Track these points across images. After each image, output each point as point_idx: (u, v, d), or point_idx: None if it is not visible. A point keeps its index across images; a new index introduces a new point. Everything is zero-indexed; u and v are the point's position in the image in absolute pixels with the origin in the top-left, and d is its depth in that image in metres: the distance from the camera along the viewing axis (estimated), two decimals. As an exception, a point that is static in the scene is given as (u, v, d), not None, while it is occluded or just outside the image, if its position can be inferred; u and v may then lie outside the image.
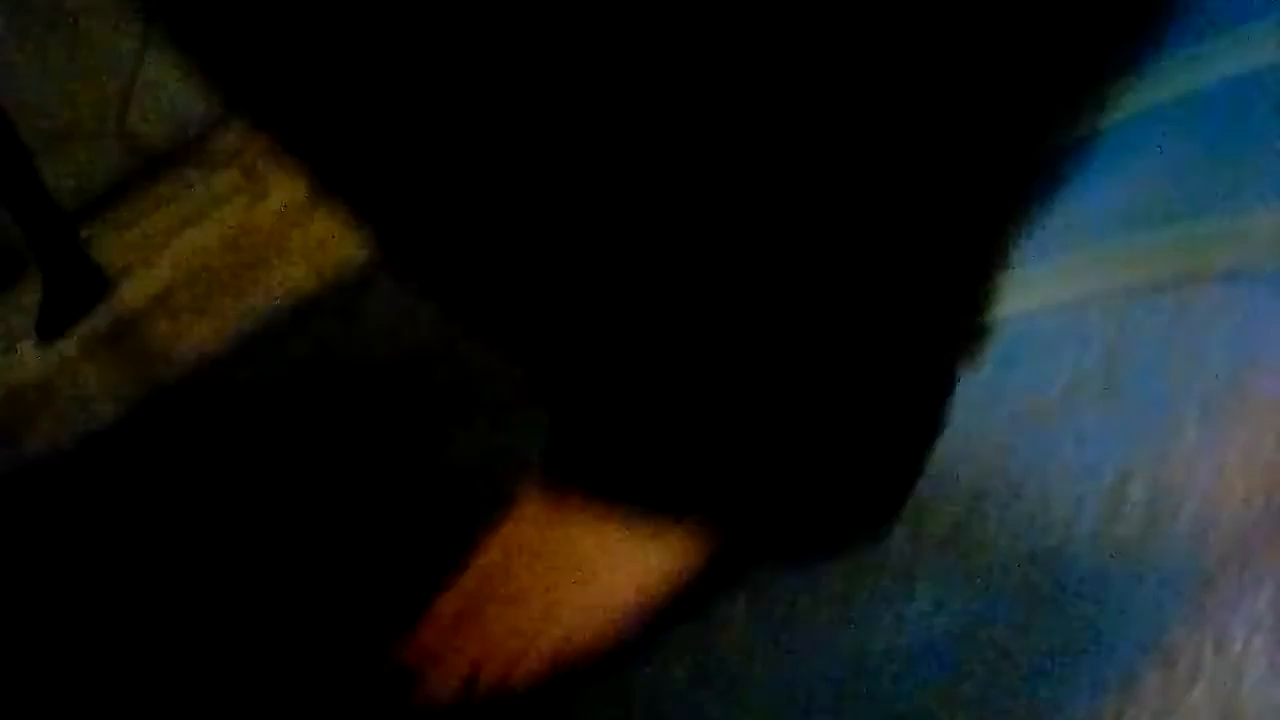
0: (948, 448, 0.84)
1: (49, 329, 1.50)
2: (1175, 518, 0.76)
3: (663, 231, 0.77)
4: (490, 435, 1.04)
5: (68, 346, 1.52)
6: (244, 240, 1.53)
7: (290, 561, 1.05)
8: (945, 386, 0.87)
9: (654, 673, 0.82)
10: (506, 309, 0.84)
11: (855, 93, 0.76)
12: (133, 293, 1.56)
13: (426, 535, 1.00)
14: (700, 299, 0.79)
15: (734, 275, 0.79)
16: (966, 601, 0.77)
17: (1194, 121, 0.94)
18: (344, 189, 0.82)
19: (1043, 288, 0.90)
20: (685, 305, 0.80)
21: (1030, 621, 0.75)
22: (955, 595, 0.77)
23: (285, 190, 1.53)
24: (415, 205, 0.80)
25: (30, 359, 1.47)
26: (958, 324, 0.89)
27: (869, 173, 0.79)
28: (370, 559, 1.02)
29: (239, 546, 1.09)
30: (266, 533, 1.09)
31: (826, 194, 0.78)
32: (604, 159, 0.76)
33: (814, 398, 0.82)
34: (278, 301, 1.43)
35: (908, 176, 0.80)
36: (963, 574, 0.78)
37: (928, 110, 0.81)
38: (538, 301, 0.82)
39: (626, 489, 0.83)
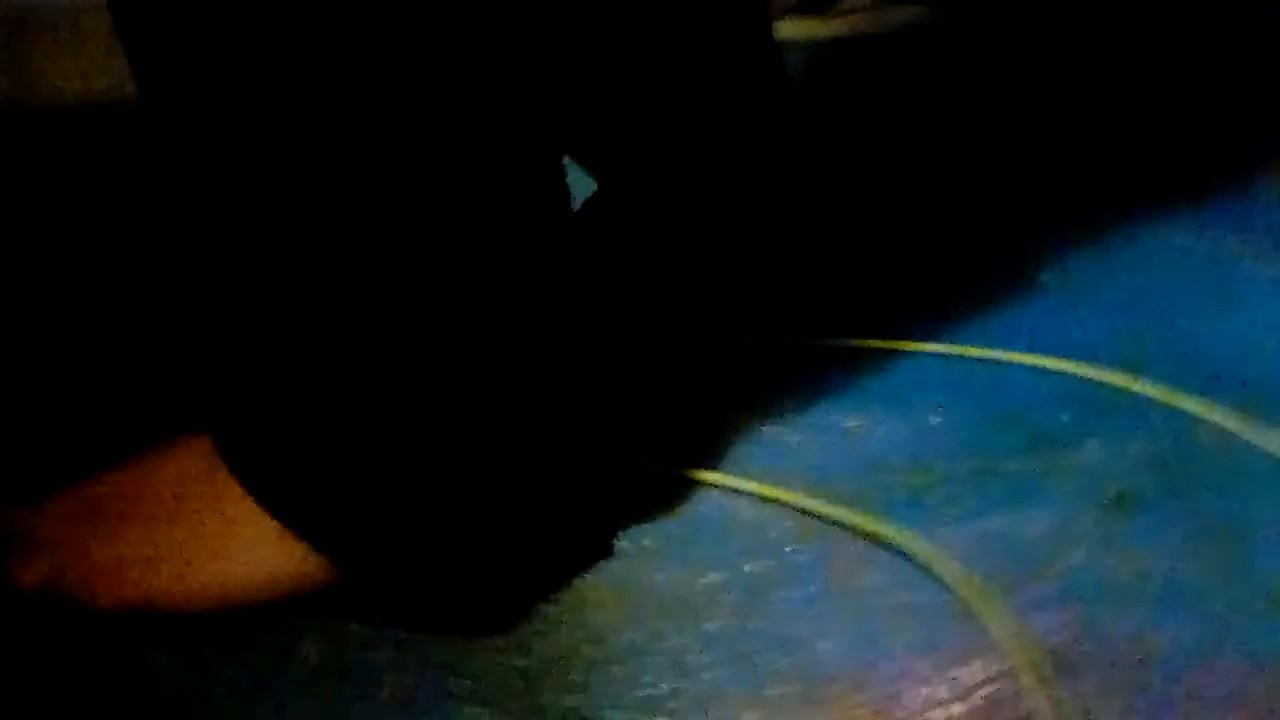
0: (589, 590, 0.86)
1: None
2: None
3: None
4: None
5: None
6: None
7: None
8: (595, 524, 0.88)
9: (235, 663, 0.83)
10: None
11: None
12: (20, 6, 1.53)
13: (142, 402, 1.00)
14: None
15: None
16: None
17: (973, 400, 0.95)
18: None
19: (759, 479, 0.91)
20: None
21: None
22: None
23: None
24: None
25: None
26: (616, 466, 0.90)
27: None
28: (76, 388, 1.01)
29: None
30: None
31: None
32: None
33: (452, 489, 0.84)
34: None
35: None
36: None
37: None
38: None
39: (269, 488, 0.84)
